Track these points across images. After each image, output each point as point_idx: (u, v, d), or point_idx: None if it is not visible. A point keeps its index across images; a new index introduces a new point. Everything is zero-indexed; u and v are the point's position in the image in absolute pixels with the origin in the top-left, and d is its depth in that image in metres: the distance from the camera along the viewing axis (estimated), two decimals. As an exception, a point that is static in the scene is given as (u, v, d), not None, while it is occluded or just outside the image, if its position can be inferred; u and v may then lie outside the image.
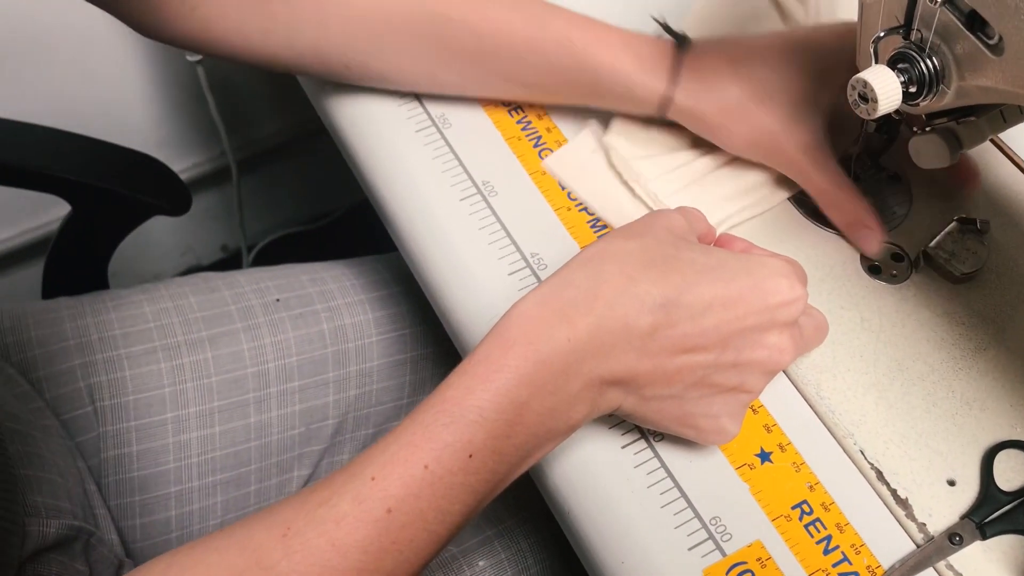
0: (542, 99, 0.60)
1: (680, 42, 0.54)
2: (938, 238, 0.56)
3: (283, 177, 1.39)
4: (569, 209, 0.57)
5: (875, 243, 0.55)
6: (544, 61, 0.55)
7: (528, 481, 0.50)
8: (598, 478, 0.48)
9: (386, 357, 0.73)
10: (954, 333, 0.53)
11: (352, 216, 1.46)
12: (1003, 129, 0.50)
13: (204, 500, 0.66)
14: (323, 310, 0.71)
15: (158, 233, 1.36)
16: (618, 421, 0.50)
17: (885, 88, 0.42)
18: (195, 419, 0.66)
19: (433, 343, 0.74)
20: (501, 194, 0.58)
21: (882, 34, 0.45)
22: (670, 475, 0.48)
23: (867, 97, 0.43)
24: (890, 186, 0.59)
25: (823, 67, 0.53)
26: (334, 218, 1.46)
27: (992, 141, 0.59)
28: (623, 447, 0.49)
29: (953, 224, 0.56)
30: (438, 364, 0.74)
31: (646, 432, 0.50)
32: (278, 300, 0.71)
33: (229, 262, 1.45)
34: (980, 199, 0.58)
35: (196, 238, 1.42)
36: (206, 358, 0.67)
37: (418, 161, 0.59)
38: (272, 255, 1.42)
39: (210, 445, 0.66)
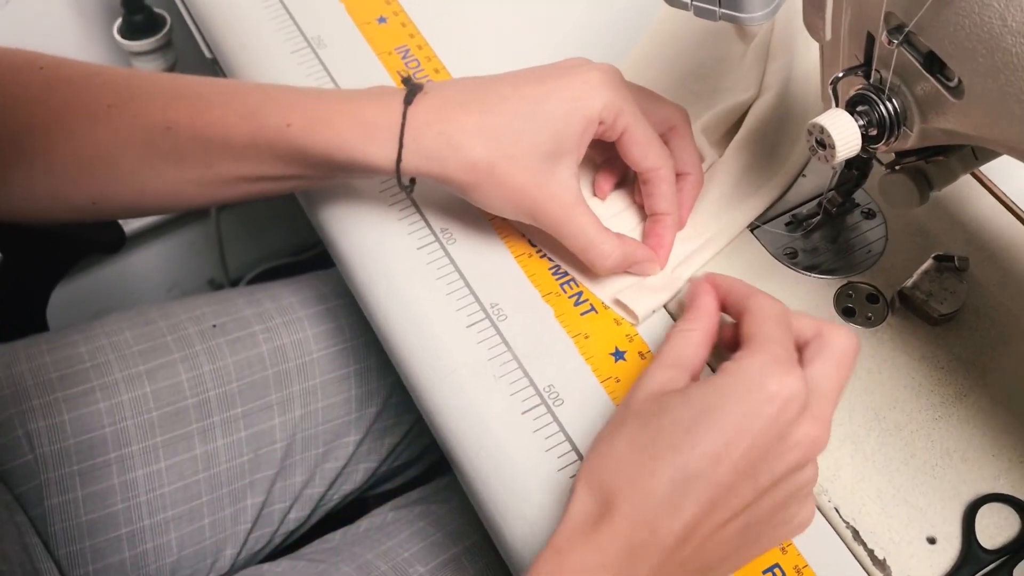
0: (296, 188, 0.56)
1: (407, 97, 0.49)
2: (915, 277, 0.53)
3: (269, 208, 1.37)
4: (530, 256, 0.55)
5: (652, 267, 0.53)
6: (271, 154, 0.50)
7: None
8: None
9: (329, 373, 0.71)
10: (933, 379, 0.51)
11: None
12: (975, 167, 0.47)
13: (157, 538, 0.65)
14: (261, 331, 0.70)
15: (143, 268, 1.35)
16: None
17: (843, 133, 0.40)
18: (139, 456, 0.64)
19: (376, 354, 0.72)
20: (460, 242, 0.56)
21: (841, 75, 0.43)
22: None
23: (824, 143, 0.40)
24: (864, 222, 0.57)
25: (569, 111, 0.49)
26: (323, 248, 1.45)
27: (972, 173, 0.56)
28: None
29: (930, 262, 0.54)
30: (383, 375, 0.73)
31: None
32: (214, 326, 0.69)
33: (217, 296, 1.44)
34: (958, 235, 0.56)
35: (182, 273, 1.40)
36: (144, 393, 0.65)
37: (376, 210, 0.57)
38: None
39: (157, 482, 0.65)
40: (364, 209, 0.57)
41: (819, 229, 0.56)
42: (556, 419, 0.50)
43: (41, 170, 0.52)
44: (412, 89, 0.50)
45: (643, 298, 0.52)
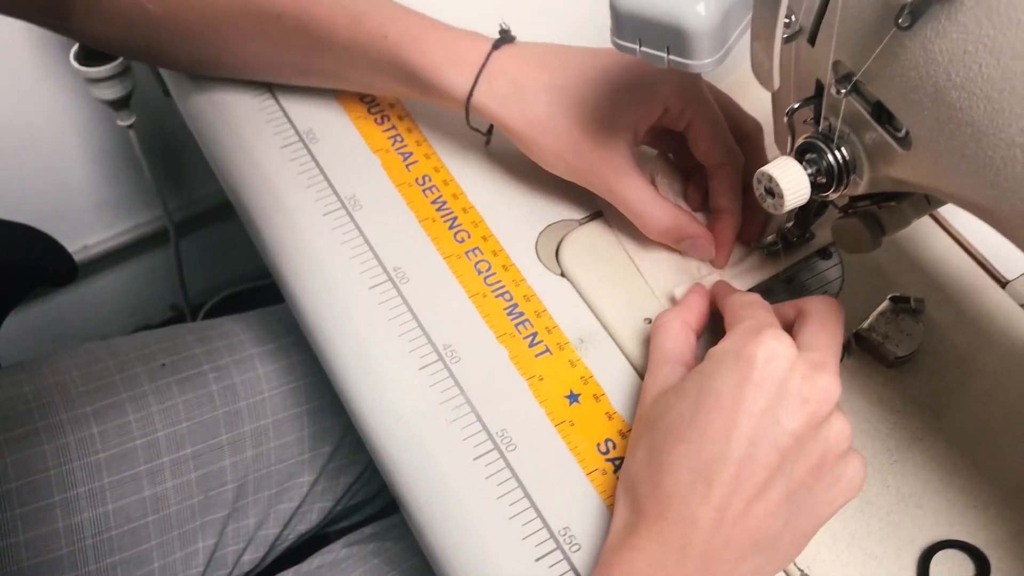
0: (377, 92, 0.60)
1: (497, 42, 0.53)
2: (871, 319, 0.53)
3: (231, 234, 1.36)
4: (485, 296, 0.55)
5: (708, 249, 0.53)
6: (363, 57, 0.54)
7: None
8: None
9: (281, 412, 0.70)
10: (889, 422, 0.51)
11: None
12: (928, 212, 0.47)
13: None
14: (210, 370, 0.69)
15: (104, 295, 1.33)
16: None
17: (791, 182, 0.40)
18: (85, 499, 0.63)
19: (329, 392, 0.71)
20: (413, 281, 0.55)
21: (796, 105, 0.42)
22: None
23: (773, 192, 0.40)
24: (821, 263, 0.57)
25: (636, 87, 0.51)
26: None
27: (929, 214, 0.57)
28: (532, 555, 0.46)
29: (887, 303, 0.54)
30: (336, 413, 0.72)
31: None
32: (163, 365, 0.68)
33: (178, 322, 1.42)
34: (914, 275, 0.56)
35: (144, 298, 1.39)
36: (91, 434, 0.64)
37: (327, 248, 0.56)
38: (223, 313, 1.39)
39: (104, 525, 0.63)
40: (314, 247, 0.56)
41: (777, 257, 0.56)
42: (508, 465, 0.49)
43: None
44: (504, 37, 0.53)
45: None
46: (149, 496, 0.65)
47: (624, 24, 0.41)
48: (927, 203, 0.47)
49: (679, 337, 0.48)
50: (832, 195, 0.41)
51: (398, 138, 0.60)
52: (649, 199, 0.52)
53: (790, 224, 0.55)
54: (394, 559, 0.66)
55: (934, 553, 0.47)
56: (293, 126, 0.61)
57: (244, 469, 0.68)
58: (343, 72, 0.57)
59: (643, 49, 0.41)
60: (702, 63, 0.40)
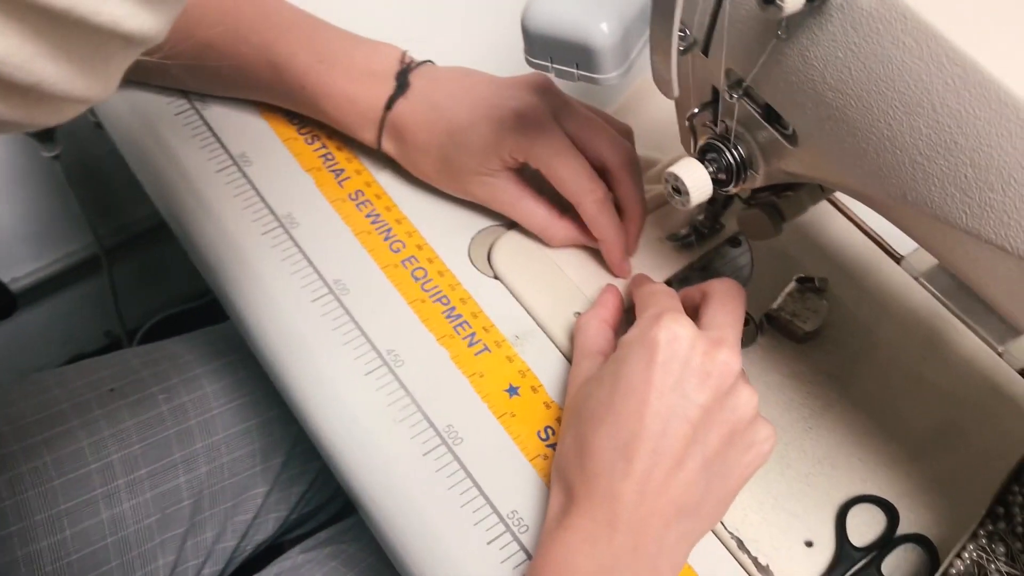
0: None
1: (390, 99, 0.58)
2: (780, 299, 0.58)
3: (164, 256, 1.36)
4: (423, 301, 0.58)
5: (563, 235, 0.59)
6: (287, 99, 0.61)
7: None
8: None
9: (232, 427, 0.72)
10: (802, 392, 0.55)
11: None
12: (822, 199, 0.52)
13: None
14: (159, 392, 0.71)
15: (36, 326, 1.32)
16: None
17: (695, 181, 0.44)
18: (42, 527, 0.64)
19: (278, 405, 0.74)
20: (353, 292, 0.58)
21: (696, 111, 0.46)
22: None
23: (680, 190, 0.44)
24: (732, 250, 0.61)
25: (482, 151, 0.56)
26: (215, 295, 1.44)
27: (827, 198, 0.61)
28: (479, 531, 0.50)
29: (793, 284, 0.58)
30: (286, 425, 0.74)
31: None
32: (112, 390, 0.70)
33: (114, 347, 1.42)
34: (817, 256, 0.61)
35: (78, 327, 1.38)
36: (44, 462, 0.65)
37: (268, 266, 0.58)
38: (160, 336, 1.39)
39: (63, 551, 0.64)
40: (256, 266, 0.58)
41: (687, 250, 0.60)
42: (456, 458, 0.52)
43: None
44: (400, 84, 0.58)
45: None
46: (107, 518, 0.66)
47: (535, 44, 0.45)
48: (821, 191, 0.51)
49: (597, 332, 0.52)
50: (733, 189, 0.46)
51: (329, 156, 0.63)
52: (542, 218, 0.58)
53: (701, 217, 0.59)
54: (351, 560, 0.69)
55: (849, 508, 0.52)
56: (226, 150, 0.63)
57: (199, 485, 0.70)
58: (275, 101, 0.63)
59: (554, 66, 0.45)
60: (608, 76, 0.44)
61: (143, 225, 1.26)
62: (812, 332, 0.57)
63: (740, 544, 0.51)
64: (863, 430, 0.54)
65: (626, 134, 0.59)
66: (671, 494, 0.44)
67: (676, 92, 0.43)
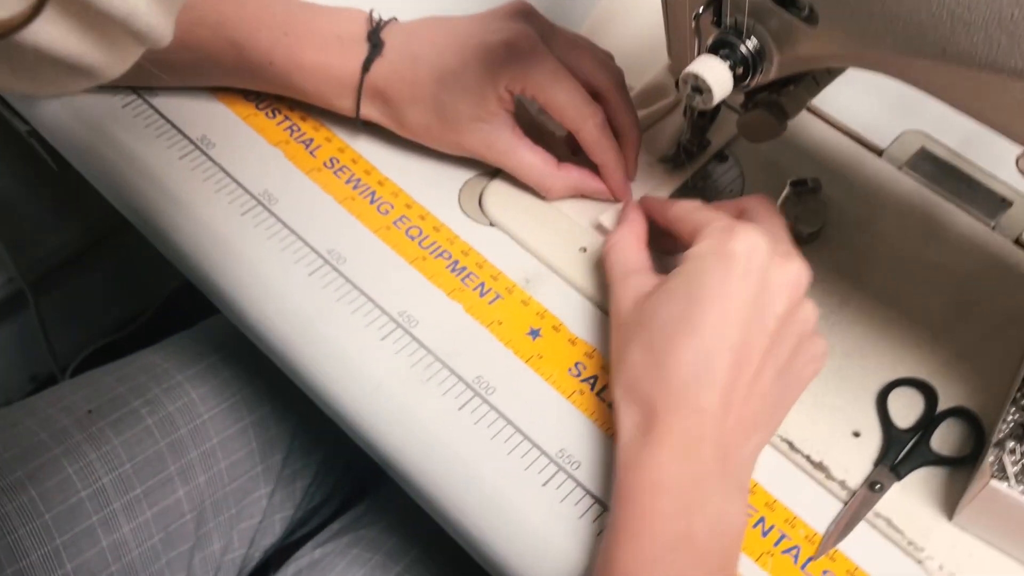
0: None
1: (367, 59, 0.56)
2: (778, 205, 0.58)
3: (86, 286, 1.29)
4: (424, 259, 0.56)
5: (606, 193, 0.57)
6: (252, 79, 0.58)
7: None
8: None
9: (225, 430, 0.69)
10: (817, 291, 0.55)
11: (170, 305, 1.38)
12: (818, 92, 0.52)
13: None
14: (141, 405, 0.67)
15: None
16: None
17: (716, 77, 0.43)
18: (40, 565, 0.60)
19: (269, 399, 0.70)
20: (350, 260, 0.55)
21: (701, 10, 0.45)
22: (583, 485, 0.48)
23: (700, 88, 0.44)
24: (719, 166, 0.61)
25: (478, 89, 0.54)
26: (152, 312, 1.38)
27: (799, 103, 0.62)
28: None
29: (788, 189, 0.58)
30: (282, 419, 0.71)
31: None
32: (90, 412, 0.66)
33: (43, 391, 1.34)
34: (804, 161, 0.61)
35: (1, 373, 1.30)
36: (31, 498, 0.61)
37: (254, 247, 0.55)
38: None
39: None
40: (241, 250, 0.55)
41: (683, 174, 0.60)
42: (493, 407, 0.51)
43: None
44: (373, 44, 0.56)
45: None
46: (108, 545, 0.62)
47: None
48: (816, 83, 0.51)
49: (636, 248, 0.51)
50: (751, 83, 0.45)
51: (295, 128, 0.60)
52: (538, 169, 0.56)
53: (687, 136, 0.59)
54: (373, 544, 0.66)
55: (888, 393, 0.52)
56: (186, 136, 0.59)
57: (199, 496, 0.66)
58: (239, 84, 0.60)
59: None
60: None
61: (64, 253, 1.19)
62: (815, 232, 0.57)
63: (791, 446, 0.50)
64: (883, 318, 0.55)
65: (608, 57, 0.58)
66: (751, 406, 0.43)
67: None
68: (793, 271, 0.45)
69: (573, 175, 0.57)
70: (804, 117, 0.62)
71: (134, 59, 0.29)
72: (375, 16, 0.57)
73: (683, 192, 0.59)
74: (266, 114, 0.61)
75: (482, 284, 0.55)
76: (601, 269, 0.55)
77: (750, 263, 0.44)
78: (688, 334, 0.43)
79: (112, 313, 1.35)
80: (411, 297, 0.54)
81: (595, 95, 0.55)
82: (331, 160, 0.59)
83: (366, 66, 0.55)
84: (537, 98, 0.53)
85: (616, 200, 0.58)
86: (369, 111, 0.57)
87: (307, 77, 0.56)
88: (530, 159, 0.56)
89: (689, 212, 0.49)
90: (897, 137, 0.62)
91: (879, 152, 0.62)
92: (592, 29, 0.66)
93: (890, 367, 0.53)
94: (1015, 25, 0.34)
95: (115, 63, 0.28)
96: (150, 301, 1.38)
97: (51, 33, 0.24)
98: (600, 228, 0.57)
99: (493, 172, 0.59)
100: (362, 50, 0.56)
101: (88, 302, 1.29)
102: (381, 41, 0.56)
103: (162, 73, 0.58)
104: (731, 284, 0.44)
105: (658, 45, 0.58)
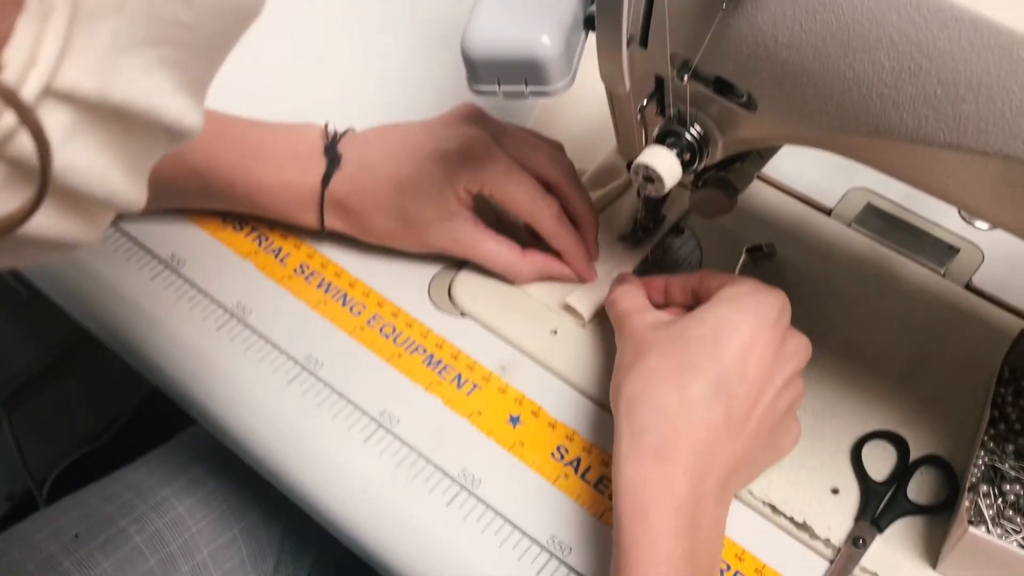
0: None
1: (326, 175, 0.57)
2: (737, 272, 0.60)
3: (57, 399, 1.28)
4: (400, 356, 0.57)
5: (571, 275, 0.59)
6: (219, 201, 0.60)
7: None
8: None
9: (214, 541, 0.68)
10: (783, 353, 0.57)
11: (144, 410, 1.37)
12: (763, 165, 0.54)
13: None
14: (129, 524, 0.66)
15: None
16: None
17: (665, 166, 0.45)
18: None
19: (256, 506, 0.70)
20: (327, 364, 0.56)
21: (644, 102, 0.48)
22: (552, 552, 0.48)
23: (652, 177, 0.45)
24: (677, 239, 0.63)
25: (438, 194, 0.56)
26: (126, 420, 1.37)
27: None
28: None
29: (744, 256, 0.60)
30: (270, 525, 0.71)
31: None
32: (77, 536, 0.65)
33: (22, 509, 1.32)
34: (758, 227, 0.63)
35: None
36: None
37: (232, 360, 0.56)
38: (70, 483, 1.30)
39: None
40: (219, 364, 0.56)
41: (643, 250, 0.61)
42: (481, 500, 0.51)
43: None
44: (331, 159, 0.57)
45: (586, 300, 0.58)
46: None
47: (481, 71, 0.45)
48: (761, 157, 0.54)
49: (643, 295, 0.54)
50: (699, 167, 0.47)
51: (263, 238, 0.62)
52: (504, 258, 0.58)
53: (642, 214, 0.61)
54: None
55: (861, 448, 0.53)
56: (155, 256, 0.60)
57: None
58: (204, 206, 0.61)
59: (503, 88, 0.45)
60: (558, 86, 0.45)
61: (31, 371, 1.19)
62: (775, 296, 0.59)
63: (774, 509, 0.51)
64: (849, 373, 0.56)
65: (558, 147, 0.60)
66: (748, 441, 0.47)
67: (628, 86, 0.44)
68: (805, 345, 0.50)
69: (538, 261, 0.59)
70: (754, 185, 0.65)
71: (108, 222, 0.31)
72: (330, 129, 0.59)
73: (644, 266, 0.61)
74: (234, 227, 0.62)
75: (459, 375, 0.56)
76: (573, 350, 0.56)
77: (780, 320, 0.48)
78: (711, 356, 0.46)
79: (86, 424, 1.33)
80: (390, 395, 0.55)
81: (548, 187, 0.57)
82: (301, 267, 0.60)
83: (325, 180, 0.57)
84: (494, 196, 0.55)
85: (582, 281, 0.59)
86: (333, 222, 0.59)
87: (269, 196, 0.58)
88: (495, 250, 0.58)
89: (701, 276, 0.52)
90: (843, 196, 0.65)
91: (828, 212, 0.64)
92: (541, 119, 0.68)
93: (861, 421, 0.55)
94: (939, 102, 0.37)
95: (93, 233, 0.29)
96: (124, 408, 1.37)
97: (42, 223, 0.25)
98: (568, 309, 0.58)
99: (460, 263, 0.61)
100: (320, 165, 0.57)
101: (60, 415, 1.28)
102: (338, 155, 0.57)
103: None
104: (762, 329, 0.47)
105: (606, 128, 0.60)
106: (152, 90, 0.26)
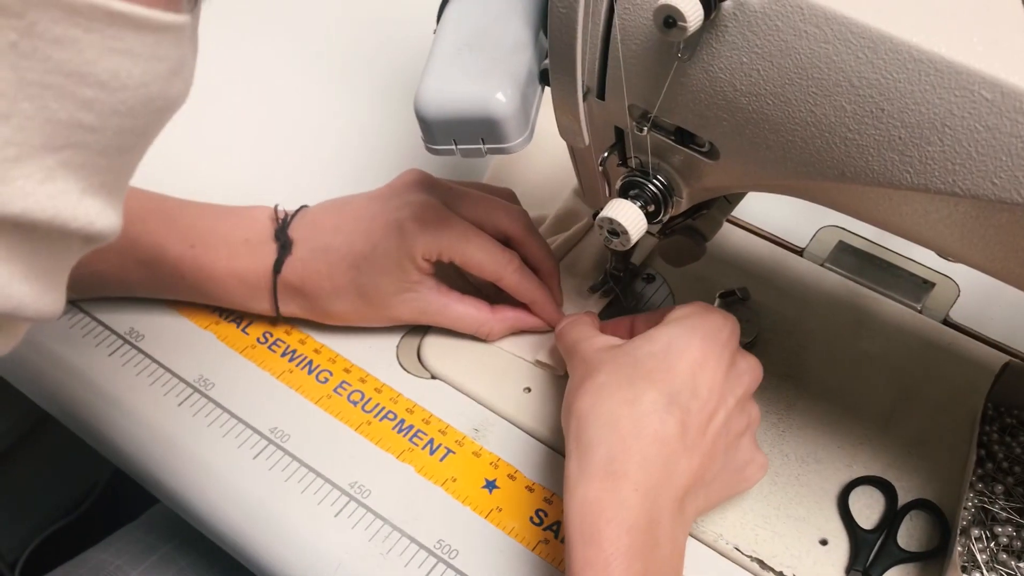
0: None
1: (277, 261, 0.55)
2: (711, 319, 0.58)
3: (23, 478, 1.25)
4: (369, 423, 0.55)
5: (540, 324, 0.58)
6: (169, 291, 0.58)
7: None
8: None
9: None
10: (764, 399, 0.56)
11: (115, 483, 1.34)
12: (731, 210, 0.53)
13: None
14: None
15: None
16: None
17: (629, 219, 0.44)
18: None
19: None
20: (294, 436, 0.54)
21: (606, 154, 0.46)
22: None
23: (616, 231, 0.44)
24: (649, 287, 0.62)
25: (396, 267, 0.54)
26: (97, 494, 1.34)
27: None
28: None
29: (718, 301, 0.59)
30: None
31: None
32: None
33: (-8, 592, 1.28)
34: (729, 271, 0.62)
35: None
36: None
37: (195, 436, 0.54)
38: (41, 564, 1.27)
39: None
40: (182, 441, 0.54)
41: (610, 296, 0.60)
42: (460, 572, 0.49)
43: None
44: (282, 245, 0.55)
45: (556, 354, 0.57)
46: None
47: (436, 131, 0.44)
48: (728, 203, 0.53)
49: (592, 325, 0.53)
50: (664, 218, 0.46)
51: (223, 308, 0.60)
52: (474, 318, 0.57)
53: (611, 263, 0.60)
54: None
55: (848, 495, 0.52)
56: (113, 331, 0.58)
57: None
58: (154, 296, 0.59)
59: (460, 147, 0.44)
60: (516, 142, 0.44)
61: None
62: (750, 341, 0.58)
63: (762, 564, 0.50)
64: (831, 418, 0.55)
65: (510, 198, 0.59)
66: (703, 459, 0.45)
67: (587, 139, 0.43)
68: (755, 365, 0.49)
69: (509, 316, 0.58)
70: (724, 228, 0.64)
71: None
72: (280, 212, 0.57)
73: (616, 315, 0.60)
74: (192, 297, 0.60)
75: (431, 441, 0.54)
76: (548, 407, 0.55)
77: (731, 340, 0.47)
78: (663, 371, 0.45)
79: (54, 501, 1.30)
80: (361, 466, 0.53)
81: (507, 241, 0.56)
82: (264, 335, 0.59)
83: (277, 267, 0.55)
84: (454, 260, 0.54)
85: (550, 329, 0.58)
86: (289, 308, 0.57)
87: (220, 286, 0.56)
88: (464, 312, 0.56)
89: (664, 312, 0.51)
90: (815, 234, 0.64)
91: (800, 252, 0.63)
92: (498, 167, 0.67)
93: (846, 467, 0.53)
94: (903, 144, 0.36)
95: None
96: (94, 481, 1.33)
97: None
98: (541, 365, 0.57)
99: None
100: (271, 251, 0.55)
101: (28, 494, 1.25)
102: (289, 239, 0.55)
103: (77, 296, 0.58)
104: (712, 348, 0.46)
105: (565, 172, 0.59)
106: (54, 197, 0.25)
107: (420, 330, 0.59)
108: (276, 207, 0.57)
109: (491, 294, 0.58)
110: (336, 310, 0.56)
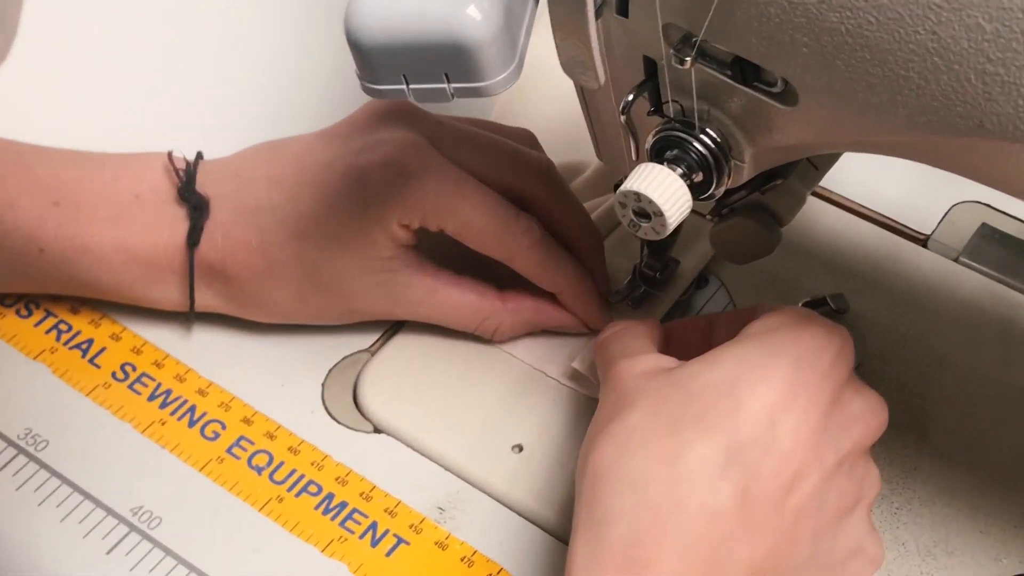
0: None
1: (191, 231, 0.56)
2: (792, 341, 0.59)
3: None
4: (281, 500, 0.55)
5: (579, 326, 0.59)
6: (18, 271, 0.58)
7: None
8: None
9: None
10: (877, 459, 0.56)
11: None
12: (819, 180, 0.54)
13: None
14: None
15: None
16: None
17: (666, 193, 0.44)
18: None
19: None
20: (167, 520, 0.55)
21: (631, 97, 0.47)
22: None
23: (647, 212, 0.44)
24: (700, 294, 0.62)
25: (368, 239, 0.55)
26: None
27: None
28: None
29: (801, 314, 0.60)
30: None
31: None
32: None
33: None
34: (817, 270, 0.62)
35: None
36: None
37: (19, 521, 0.55)
38: None
39: None
40: (3, 527, 0.54)
41: (639, 305, 0.61)
42: None
43: None
44: (195, 222, 0.55)
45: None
46: None
47: (379, 63, 0.44)
48: (815, 168, 0.53)
49: (646, 337, 0.52)
50: (718, 191, 0.46)
51: (63, 327, 0.60)
52: (474, 307, 0.57)
53: (642, 259, 0.60)
54: None
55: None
56: None
57: None
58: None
59: (413, 86, 0.44)
60: (495, 81, 0.44)
61: None
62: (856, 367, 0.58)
63: None
64: (969, 488, 0.56)
65: (528, 141, 0.59)
66: (771, 535, 0.44)
67: (603, 76, 0.44)
68: (875, 404, 0.48)
69: (525, 306, 0.58)
70: (809, 206, 0.64)
71: None
72: (178, 161, 0.57)
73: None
74: (18, 312, 0.61)
75: (373, 526, 0.55)
76: (550, 475, 0.55)
77: (835, 370, 0.46)
78: (724, 414, 0.44)
79: None
80: (268, 564, 0.53)
81: (524, 203, 0.56)
82: (123, 368, 0.59)
83: (193, 238, 0.55)
84: (445, 228, 0.54)
85: (589, 331, 0.59)
86: (207, 300, 0.57)
87: (99, 264, 0.56)
88: (459, 298, 0.57)
89: (758, 308, 0.50)
90: (945, 215, 0.64)
91: (923, 241, 0.64)
92: (509, 103, 0.68)
93: (993, 561, 0.54)
94: (1070, 83, 0.36)
95: None
96: None
97: None
98: (577, 374, 0.58)
99: (372, 345, 0.60)
100: (176, 215, 0.56)
101: None
102: (203, 198, 0.56)
103: None
104: (806, 380, 0.45)
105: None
106: None
107: (359, 355, 0.60)
108: (170, 153, 0.57)
109: (504, 275, 0.58)
110: (274, 300, 0.57)
